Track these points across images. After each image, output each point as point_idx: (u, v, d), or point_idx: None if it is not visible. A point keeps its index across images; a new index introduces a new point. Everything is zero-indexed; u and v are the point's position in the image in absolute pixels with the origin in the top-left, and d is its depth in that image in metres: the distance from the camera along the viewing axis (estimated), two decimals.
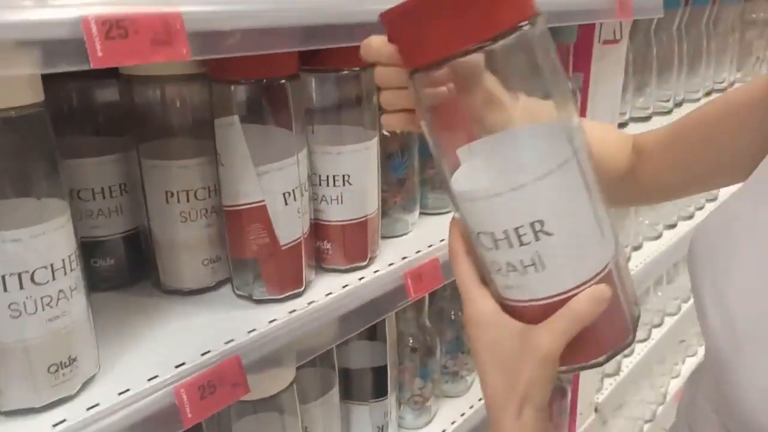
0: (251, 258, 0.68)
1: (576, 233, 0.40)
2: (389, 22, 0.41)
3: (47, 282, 0.49)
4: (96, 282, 0.72)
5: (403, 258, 0.82)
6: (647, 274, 1.56)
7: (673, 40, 1.43)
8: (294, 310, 0.69)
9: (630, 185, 0.72)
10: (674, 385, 2.03)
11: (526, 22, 0.37)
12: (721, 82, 1.74)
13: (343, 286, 0.75)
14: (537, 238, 0.40)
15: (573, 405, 1.48)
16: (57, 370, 0.52)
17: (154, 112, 0.66)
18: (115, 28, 0.44)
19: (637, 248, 1.55)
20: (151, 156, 0.66)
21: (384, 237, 0.89)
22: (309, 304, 0.71)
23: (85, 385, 0.55)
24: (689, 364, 2.14)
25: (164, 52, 0.47)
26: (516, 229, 0.40)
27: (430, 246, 0.86)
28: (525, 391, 0.42)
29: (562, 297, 0.41)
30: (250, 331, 0.65)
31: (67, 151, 0.67)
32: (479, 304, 0.45)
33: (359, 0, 0.61)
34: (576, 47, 1.12)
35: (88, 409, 0.53)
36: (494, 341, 0.44)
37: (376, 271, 0.79)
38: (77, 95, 0.69)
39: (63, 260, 0.50)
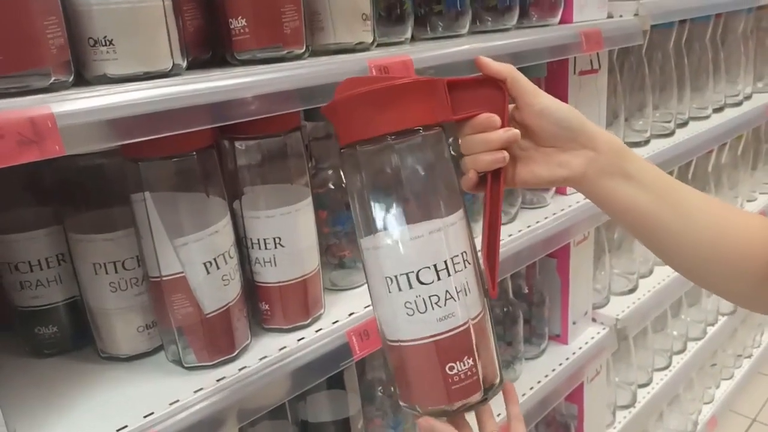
0: (177, 327, 0.69)
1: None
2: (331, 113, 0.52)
3: None
4: (40, 349, 0.75)
5: (350, 314, 0.81)
6: (661, 299, 1.48)
7: (669, 59, 1.36)
8: (222, 378, 0.69)
9: None
10: (707, 412, 1.92)
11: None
12: (736, 95, 1.65)
13: (280, 349, 0.74)
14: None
15: None
16: None
17: (75, 187, 0.68)
18: None
19: (643, 276, 1.48)
20: (76, 230, 0.68)
21: (340, 289, 0.89)
22: (240, 370, 0.70)
23: None
24: (725, 388, 2.03)
25: (34, 151, 0.48)
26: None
27: None
28: None
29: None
30: (172, 403, 0.65)
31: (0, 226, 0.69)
32: None
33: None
34: (550, 80, 1.09)
35: None
36: None
37: (318, 330, 0.78)
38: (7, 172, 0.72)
39: None
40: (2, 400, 0.59)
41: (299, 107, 0.66)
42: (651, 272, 1.51)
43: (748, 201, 1.86)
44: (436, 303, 0.49)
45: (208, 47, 0.70)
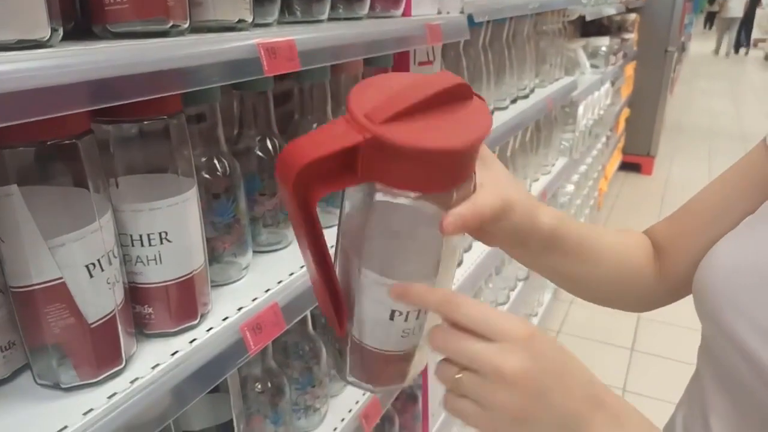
0: (53, 343, 0.58)
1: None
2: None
3: None
4: None
5: (239, 309, 0.77)
6: (482, 270, 1.65)
7: (479, 55, 1.52)
8: (114, 393, 0.61)
9: (663, 283, 0.65)
10: None
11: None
12: (524, 89, 1.90)
13: (173, 353, 0.68)
14: None
15: (425, 408, 1.53)
16: None
17: None
18: None
19: (467, 250, 1.64)
20: None
21: (217, 285, 0.83)
22: (132, 382, 0.63)
23: None
24: None
25: None
26: None
27: (267, 291, 0.81)
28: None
29: None
30: (60, 430, 0.55)
31: None
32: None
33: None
34: (395, 71, 1.14)
35: None
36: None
37: (209, 329, 0.73)
38: None
39: None
40: None
41: (180, 90, 0.61)
42: (470, 248, 1.68)
43: (534, 181, 2.16)
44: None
45: (70, 17, 0.60)
